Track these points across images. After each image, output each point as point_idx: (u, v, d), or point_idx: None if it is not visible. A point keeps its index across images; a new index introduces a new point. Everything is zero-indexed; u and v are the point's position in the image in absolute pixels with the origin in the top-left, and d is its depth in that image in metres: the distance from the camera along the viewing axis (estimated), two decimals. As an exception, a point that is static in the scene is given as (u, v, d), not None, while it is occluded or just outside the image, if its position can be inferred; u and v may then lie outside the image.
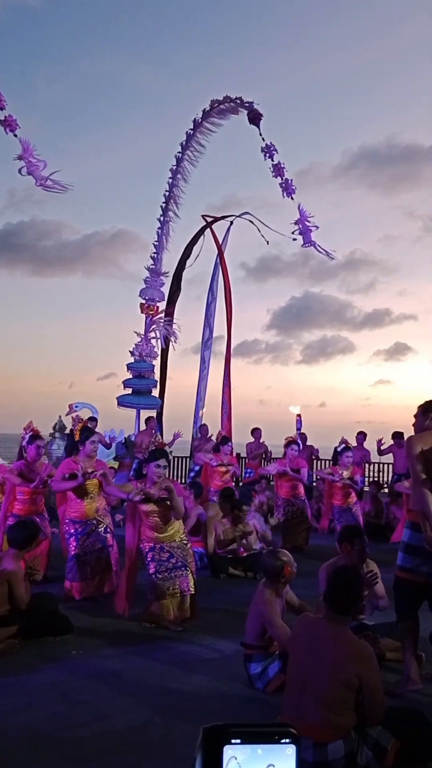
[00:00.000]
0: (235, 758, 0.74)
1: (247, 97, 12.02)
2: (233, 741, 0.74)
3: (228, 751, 0.74)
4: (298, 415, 13.93)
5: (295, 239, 12.20)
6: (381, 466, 17.81)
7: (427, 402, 4.87)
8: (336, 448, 10.09)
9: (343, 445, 10.00)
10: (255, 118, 12.02)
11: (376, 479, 16.32)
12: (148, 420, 12.31)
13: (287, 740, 0.76)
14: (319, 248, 12.22)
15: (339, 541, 5.24)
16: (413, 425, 4.92)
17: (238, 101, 12.39)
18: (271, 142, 12.01)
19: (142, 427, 12.65)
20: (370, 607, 5.14)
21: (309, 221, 12.09)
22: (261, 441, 13.38)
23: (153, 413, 13.10)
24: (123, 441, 12.34)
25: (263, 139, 12.08)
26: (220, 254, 15.32)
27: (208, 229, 15.13)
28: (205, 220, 15.13)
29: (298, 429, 13.67)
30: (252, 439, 13.38)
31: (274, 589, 4.65)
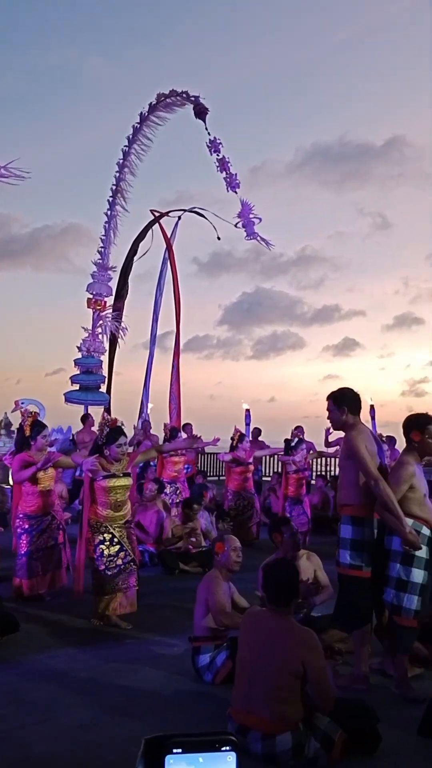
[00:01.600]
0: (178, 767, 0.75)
1: (200, 91, 11.98)
2: (174, 751, 0.75)
3: (170, 761, 0.74)
4: (247, 410, 14.00)
5: (240, 227, 12.23)
6: (328, 459, 18.05)
7: (336, 392, 4.83)
8: (289, 441, 10.25)
9: (297, 439, 10.19)
10: (201, 112, 11.98)
11: (322, 473, 16.53)
12: (85, 418, 12.24)
13: (227, 748, 0.77)
14: (260, 239, 12.29)
15: (270, 534, 5.30)
16: (328, 418, 4.89)
17: (184, 95, 12.34)
18: (216, 137, 11.99)
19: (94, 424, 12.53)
20: (307, 604, 5.22)
21: (252, 213, 12.13)
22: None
23: (101, 409, 12.99)
24: (71, 437, 12.21)
25: (209, 133, 12.03)
26: (169, 249, 15.26)
27: (157, 224, 15.05)
28: (154, 215, 15.04)
29: (247, 424, 13.73)
30: (184, 435, 13.32)
31: (224, 577, 4.74)
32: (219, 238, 13.26)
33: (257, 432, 13.17)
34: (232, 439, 10.56)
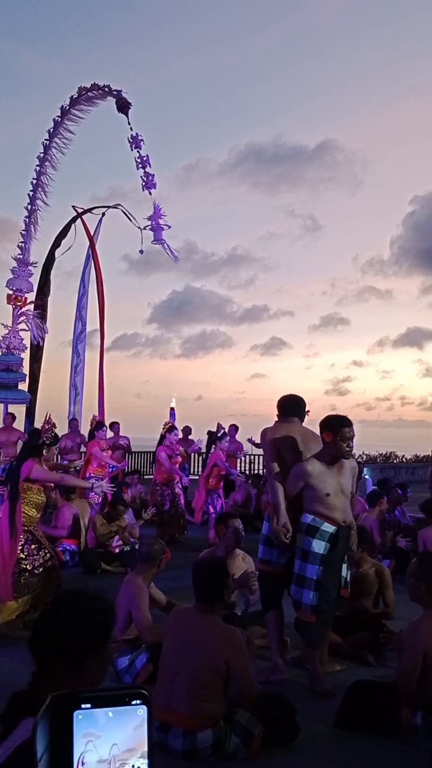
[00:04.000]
0: (87, 722, 0.73)
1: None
2: (83, 706, 0.73)
3: (78, 717, 0.72)
4: (172, 408, 14.00)
5: (149, 230, 12.11)
6: (252, 458, 18.24)
7: (281, 400, 5.03)
8: (215, 433, 10.31)
9: (223, 431, 10.29)
10: (123, 106, 11.81)
11: (245, 471, 16.68)
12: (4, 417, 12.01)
13: (138, 701, 0.76)
14: (166, 247, 12.21)
15: (215, 526, 5.32)
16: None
17: (106, 89, 12.14)
18: (138, 133, 11.85)
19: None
20: (243, 601, 5.24)
21: (162, 218, 12.06)
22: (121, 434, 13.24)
23: (23, 408, 12.72)
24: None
25: (131, 128, 11.89)
26: (92, 246, 15.06)
27: (80, 221, 14.82)
28: (76, 211, 14.79)
29: (172, 422, 13.71)
30: (111, 432, 13.21)
31: (145, 577, 4.67)
32: (141, 252, 12.85)
33: (188, 430, 13.15)
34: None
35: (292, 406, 5.02)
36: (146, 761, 0.75)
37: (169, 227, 11.91)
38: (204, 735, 3.40)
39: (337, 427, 4.63)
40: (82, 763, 0.72)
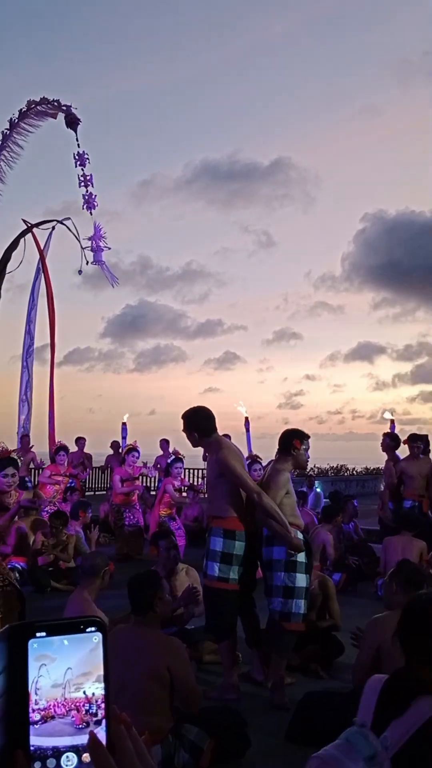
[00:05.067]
0: (41, 649, 0.73)
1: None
2: (38, 634, 0.73)
3: (33, 645, 0.72)
4: (124, 423, 13.92)
5: (90, 249, 12.05)
6: (201, 471, 18.22)
7: (184, 416, 4.95)
8: (168, 460, 10.29)
9: (174, 457, 10.21)
10: (72, 122, 11.74)
11: (195, 485, 16.65)
12: None
13: (93, 628, 0.76)
14: (105, 269, 12.19)
15: (150, 546, 5.34)
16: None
17: (56, 103, 12.09)
18: (84, 151, 11.79)
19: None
20: (188, 615, 5.20)
21: (102, 240, 12.05)
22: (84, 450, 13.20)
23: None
24: None
25: (78, 145, 11.83)
26: (42, 259, 14.93)
27: (30, 234, 14.70)
28: (26, 224, 14.65)
29: (124, 437, 13.63)
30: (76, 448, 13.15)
31: (90, 591, 4.65)
32: (80, 272, 12.72)
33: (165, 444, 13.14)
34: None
35: (208, 422, 4.92)
36: (102, 685, 0.76)
37: (110, 248, 11.86)
38: (153, 751, 3.36)
39: (303, 438, 4.94)
40: (37, 689, 0.72)
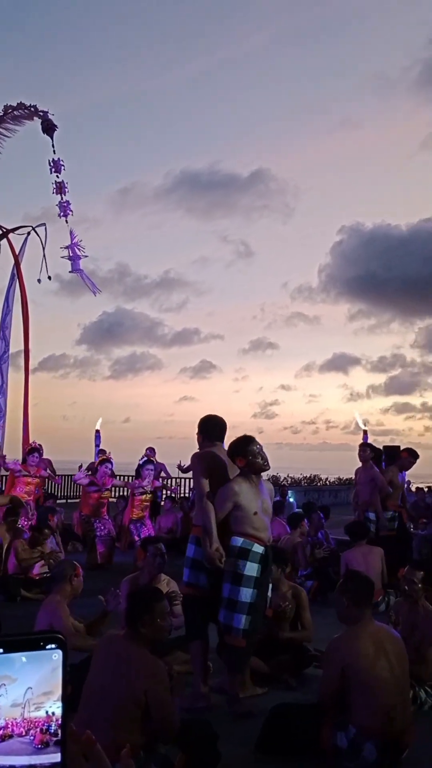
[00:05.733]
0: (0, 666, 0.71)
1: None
2: None
3: None
4: (97, 431, 13.83)
5: (68, 258, 11.99)
6: (179, 480, 18.16)
7: (202, 421, 5.04)
8: (139, 461, 10.31)
9: (145, 458, 10.26)
10: (49, 128, 11.73)
11: (172, 495, 16.59)
12: None
13: (53, 645, 0.74)
14: (84, 278, 12.12)
15: (138, 551, 5.30)
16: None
17: (33, 108, 12.06)
18: (60, 158, 11.73)
19: None
20: (167, 626, 5.16)
21: (79, 248, 11.97)
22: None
23: None
24: None
25: (54, 151, 11.79)
26: (17, 265, 14.83)
27: (5, 240, 14.58)
28: (1, 229, 14.58)
29: (97, 445, 13.55)
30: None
31: (62, 596, 4.71)
32: (39, 281, 12.67)
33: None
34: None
35: (219, 430, 5.03)
36: (61, 704, 0.74)
37: (87, 256, 11.82)
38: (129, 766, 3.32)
39: (243, 449, 4.71)
40: None
